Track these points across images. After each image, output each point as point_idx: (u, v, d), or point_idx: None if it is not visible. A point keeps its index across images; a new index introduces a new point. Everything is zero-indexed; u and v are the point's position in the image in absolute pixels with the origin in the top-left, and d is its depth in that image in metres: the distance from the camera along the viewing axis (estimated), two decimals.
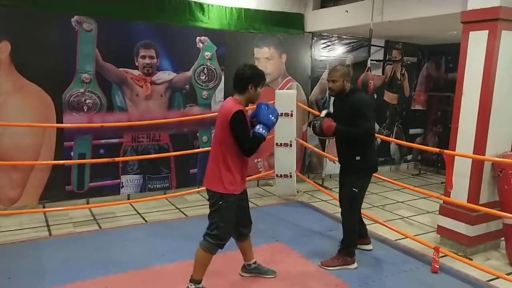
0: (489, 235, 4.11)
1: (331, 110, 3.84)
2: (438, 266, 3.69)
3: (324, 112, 3.74)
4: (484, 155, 3.89)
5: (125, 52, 5.16)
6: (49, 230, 4.37)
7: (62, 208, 4.71)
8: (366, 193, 3.80)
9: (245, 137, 2.89)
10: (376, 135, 3.91)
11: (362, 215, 4.05)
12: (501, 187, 3.89)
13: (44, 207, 4.83)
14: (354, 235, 3.73)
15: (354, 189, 3.61)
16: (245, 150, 2.91)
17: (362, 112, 3.41)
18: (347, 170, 3.70)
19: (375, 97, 7.21)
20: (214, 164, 2.96)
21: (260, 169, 6.25)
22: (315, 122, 3.59)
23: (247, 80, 2.92)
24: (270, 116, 2.97)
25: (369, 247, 4.09)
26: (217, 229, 2.97)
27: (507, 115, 4.05)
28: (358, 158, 3.54)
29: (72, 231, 4.35)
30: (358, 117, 3.40)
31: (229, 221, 3.03)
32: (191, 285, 3.05)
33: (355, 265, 3.69)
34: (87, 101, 4.99)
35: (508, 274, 3.61)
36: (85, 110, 4.98)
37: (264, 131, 2.92)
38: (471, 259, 3.90)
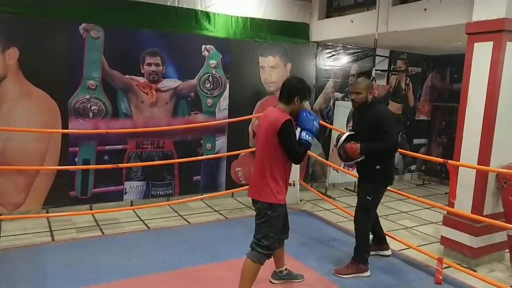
0: (493, 246, 4.08)
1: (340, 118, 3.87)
2: (441, 277, 3.66)
3: (345, 135, 3.67)
4: (488, 165, 3.88)
5: (131, 59, 5.21)
6: (52, 235, 4.38)
7: (66, 213, 4.74)
8: None
9: (295, 146, 2.89)
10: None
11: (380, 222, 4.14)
12: (505, 198, 3.87)
13: (47, 212, 4.85)
14: (366, 242, 3.75)
15: (368, 197, 3.64)
16: (295, 159, 2.94)
17: (385, 127, 3.46)
18: (365, 178, 3.73)
19: None
20: (261, 175, 2.94)
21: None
22: (340, 150, 3.64)
23: (295, 92, 2.95)
24: (314, 122, 3.00)
25: (388, 252, 4.14)
26: (267, 238, 2.95)
27: (511, 126, 4.04)
28: (378, 167, 3.57)
29: (75, 237, 4.36)
30: (381, 132, 3.45)
31: (277, 230, 3.03)
32: None
33: (368, 272, 3.70)
34: (93, 107, 5.02)
35: None
36: (91, 116, 5.02)
37: (310, 137, 2.95)
38: (475, 271, 3.86)
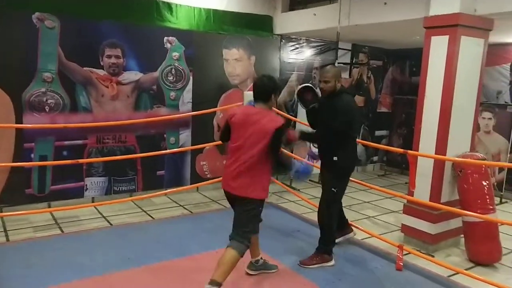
0: (449, 232, 4.26)
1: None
2: (402, 264, 3.79)
3: (303, 85, 3.75)
4: (445, 155, 4.04)
5: (90, 51, 5.02)
6: (6, 235, 4.17)
7: (22, 212, 4.51)
8: None
9: (278, 154, 3.07)
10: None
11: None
12: (460, 186, 4.04)
13: (1, 212, 4.60)
14: (332, 234, 3.81)
15: (333, 189, 3.69)
16: (277, 165, 3.14)
17: (339, 113, 3.50)
18: (326, 170, 3.79)
19: None
20: (251, 172, 3.00)
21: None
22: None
23: (271, 91, 3.08)
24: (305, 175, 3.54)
25: (352, 234, 4.28)
26: (252, 232, 3.09)
27: (466, 117, 4.22)
28: (335, 158, 3.63)
29: (32, 236, 4.17)
30: (335, 120, 3.48)
31: (259, 223, 3.20)
32: (211, 287, 2.88)
33: (332, 262, 3.78)
34: (49, 101, 4.81)
35: (467, 270, 3.75)
36: (47, 110, 4.80)
37: (296, 174, 3.36)
38: (433, 256, 4.02)
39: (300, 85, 3.93)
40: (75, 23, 4.86)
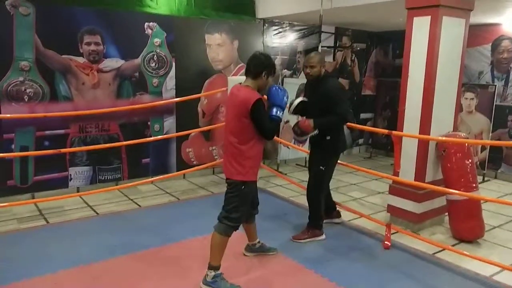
0: (434, 211, 4.33)
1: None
2: (389, 243, 3.84)
3: (298, 100, 3.78)
4: (429, 135, 4.08)
5: (68, 38, 4.88)
6: None
7: (4, 204, 4.40)
8: None
9: (266, 123, 2.94)
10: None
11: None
12: (444, 165, 4.09)
13: None
14: (320, 210, 3.90)
15: (321, 167, 3.77)
16: (267, 135, 2.99)
17: (335, 98, 3.60)
18: (316, 149, 3.86)
19: None
20: (230, 153, 2.98)
21: (216, 157, 6.17)
22: (294, 127, 3.72)
23: (262, 68, 2.97)
24: (284, 98, 3.05)
25: (339, 220, 4.36)
26: (237, 212, 2.99)
27: (449, 97, 4.26)
28: (328, 138, 3.70)
29: (16, 228, 4.10)
30: (333, 105, 3.57)
31: (247, 205, 3.09)
32: (210, 271, 2.98)
33: (323, 236, 3.91)
34: (28, 90, 4.68)
35: (452, 246, 3.82)
36: (26, 100, 4.68)
37: (280, 113, 3.00)
38: (418, 234, 4.08)
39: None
40: (51, 9, 4.71)
